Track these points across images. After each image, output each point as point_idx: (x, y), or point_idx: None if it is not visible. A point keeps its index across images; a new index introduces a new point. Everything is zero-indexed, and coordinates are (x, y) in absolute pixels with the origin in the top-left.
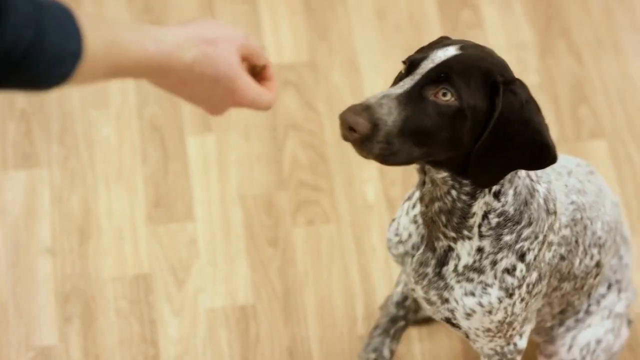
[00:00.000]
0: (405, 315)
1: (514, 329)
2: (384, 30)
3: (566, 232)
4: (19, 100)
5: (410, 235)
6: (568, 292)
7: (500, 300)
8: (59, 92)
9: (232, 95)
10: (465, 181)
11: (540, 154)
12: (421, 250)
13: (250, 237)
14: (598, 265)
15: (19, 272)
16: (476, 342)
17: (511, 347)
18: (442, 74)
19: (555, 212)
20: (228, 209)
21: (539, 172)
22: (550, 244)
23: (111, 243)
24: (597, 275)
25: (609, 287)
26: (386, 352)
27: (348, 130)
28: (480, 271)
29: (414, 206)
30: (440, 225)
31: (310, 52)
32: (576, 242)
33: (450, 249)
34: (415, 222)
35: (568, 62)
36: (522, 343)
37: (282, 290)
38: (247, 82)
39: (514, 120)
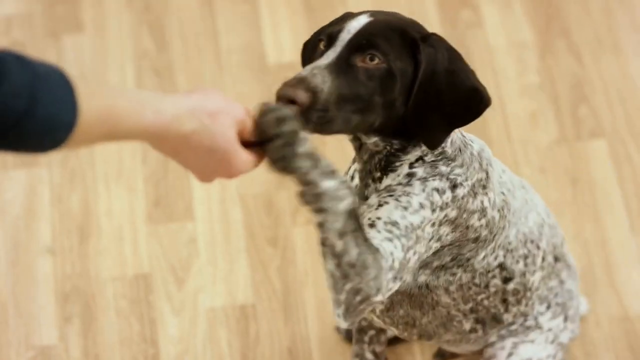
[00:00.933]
0: (371, 324)
1: (414, 252)
2: None
3: (496, 214)
4: None
5: (353, 178)
6: (468, 286)
7: (422, 206)
8: None
9: (226, 167)
10: (395, 141)
11: (474, 98)
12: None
13: (250, 237)
14: (502, 267)
15: (19, 271)
16: (368, 233)
17: (390, 284)
18: (364, 40)
19: (486, 172)
20: (228, 208)
21: (470, 135)
22: (484, 213)
23: (111, 243)
24: (506, 279)
25: (548, 307)
26: (369, 355)
27: (287, 103)
28: (407, 185)
29: (352, 178)
30: (373, 170)
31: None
32: (493, 236)
33: (373, 183)
34: (355, 187)
35: (568, 62)
36: (387, 294)
37: (282, 289)
38: (243, 157)
39: (440, 72)
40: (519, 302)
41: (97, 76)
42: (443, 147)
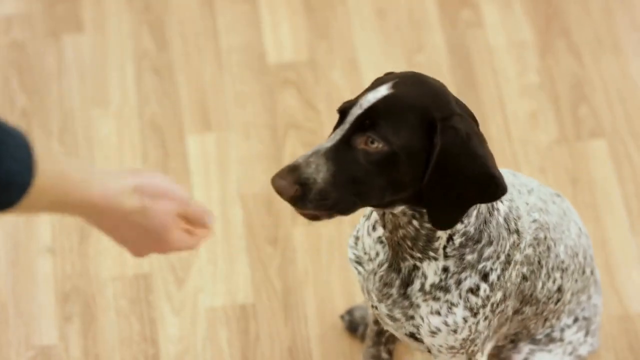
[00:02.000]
0: None
1: (475, 345)
2: (384, 29)
3: (529, 251)
4: (19, 99)
5: (377, 254)
6: (529, 317)
7: (465, 320)
8: (59, 90)
9: (157, 245)
10: (424, 210)
11: (489, 185)
12: (384, 269)
13: (251, 236)
14: (560, 290)
15: (19, 271)
16: (438, 356)
17: None
18: (366, 121)
19: (517, 231)
20: (228, 208)
21: None
22: (515, 263)
23: (111, 242)
24: (557, 301)
25: (575, 320)
26: (384, 355)
27: (278, 193)
28: (446, 290)
29: (374, 227)
30: (407, 248)
31: (310, 51)
32: (539, 262)
33: (415, 267)
34: (380, 242)
35: (568, 62)
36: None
37: (282, 289)
38: (176, 236)
39: (457, 155)
40: (554, 317)
41: (97, 76)
42: (465, 225)
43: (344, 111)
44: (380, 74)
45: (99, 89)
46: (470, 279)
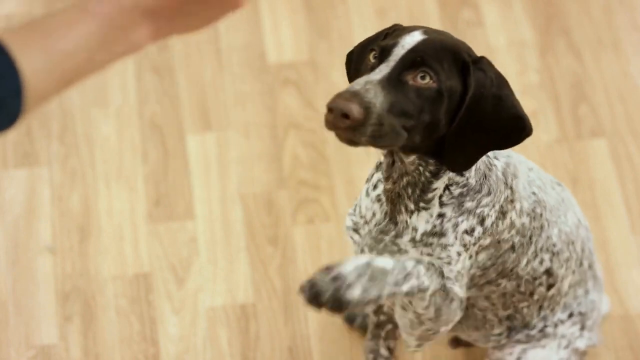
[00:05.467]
0: (390, 319)
1: (461, 286)
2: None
3: (526, 220)
4: None
5: (374, 214)
6: (512, 294)
7: (459, 254)
8: None
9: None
10: (431, 160)
11: (517, 126)
12: (384, 223)
13: (251, 236)
14: (549, 273)
15: (19, 270)
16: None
17: (460, 292)
18: (417, 58)
19: (511, 188)
20: (228, 207)
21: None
22: (512, 225)
23: (111, 242)
24: (550, 286)
25: (570, 315)
26: (383, 351)
27: (341, 117)
28: (441, 234)
29: (374, 187)
30: (405, 197)
31: (310, 50)
32: (530, 238)
33: (406, 224)
34: (378, 200)
35: (568, 61)
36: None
37: (282, 288)
38: None
39: (487, 97)
40: (549, 307)
41: (97, 76)
42: (467, 178)
43: (384, 49)
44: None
45: (99, 88)
46: (467, 222)
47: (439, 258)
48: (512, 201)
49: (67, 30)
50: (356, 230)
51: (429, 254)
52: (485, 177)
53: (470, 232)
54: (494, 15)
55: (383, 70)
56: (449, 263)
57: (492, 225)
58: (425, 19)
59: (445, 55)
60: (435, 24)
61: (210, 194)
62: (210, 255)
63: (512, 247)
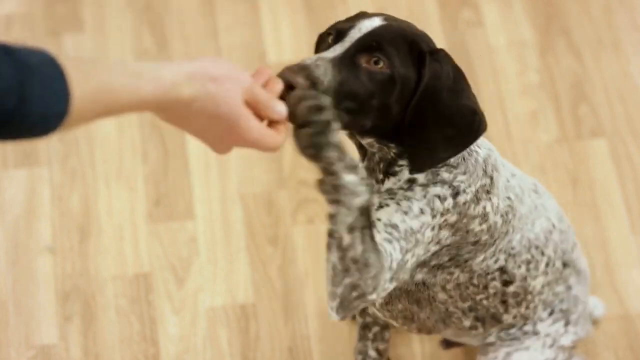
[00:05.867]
0: (376, 321)
1: (413, 255)
2: None
3: (499, 220)
4: None
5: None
6: (465, 286)
7: (422, 211)
8: None
9: (234, 134)
10: (391, 144)
11: (471, 120)
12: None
13: (251, 236)
14: (503, 271)
15: (19, 270)
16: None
17: (386, 284)
18: (374, 42)
19: (491, 178)
20: (228, 207)
21: (479, 140)
22: (485, 218)
23: (111, 241)
24: (505, 282)
25: (551, 313)
26: (372, 353)
27: (286, 89)
28: (408, 189)
29: None
30: (376, 170)
31: (310, 50)
32: (495, 240)
33: (376, 183)
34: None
35: (568, 61)
36: (382, 294)
37: (282, 288)
38: (251, 122)
39: (441, 88)
40: (519, 304)
41: None
42: None
43: (340, 31)
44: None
45: None
46: (441, 189)
47: (397, 204)
48: (488, 192)
49: (126, 84)
50: None
51: (390, 198)
52: (464, 159)
53: (442, 199)
54: (494, 15)
55: (337, 50)
56: (405, 213)
57: (464, 204)
58: (425, 19)
59: (402, 43)
60: (435, 24)
61: (210, 194)
62: (210, 255)
63: (476, 242)
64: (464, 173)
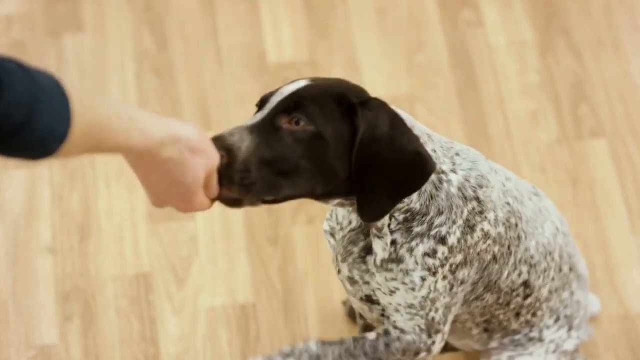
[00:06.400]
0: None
1: (436, 308)
2: (384, 28)
3: (502, 229)
4: None
5: (350, 222)
6: (491, 305)
7: (423, 279)
8: None
9: (183, 202)
10: (354, 200)
11: (416, 163)
12: (355, 231)
13: (251, 236)
14: (526, 285)
15: (19, 270)
16: (393, 316)
17: (428, 341)
18: (292, 103)
19: (477, 198)
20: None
21: (456, 160)
22: (487, 235)
23: (111, 242)
24: (526, 296)
25: (557, 320)
26: None
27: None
28: (399, 260)
29: (336, 217)
30: (358, 225)
31: (310, 50)
32: (508, 248)
33: (368, 237)
34: (352, 212)
35: (568, 61)
36: (436, 346)
37: (282, 288)
38: (200, 197)
39: (379, 136)
40: (528, 312)
41: (97, 76)
42: (407, 204)
43: (263, 99)
44: (380, 72)
45: (99, 89)
46: (424, 245)
47: (403, 283)
48: (481, 212)
49: (120, 128)
50: (332, 235)
51: (393, 279)
52: (432, 197)
53: (432, 254)
54: (494, 15)
55: (257, 117)
56: (413, 289)
57: (458, 241)
58: (425, 19)
59: (327, 98)
60: (435, 24)
61: None
62: (210, 255)
63: (494, 258)
64: (439, 213)
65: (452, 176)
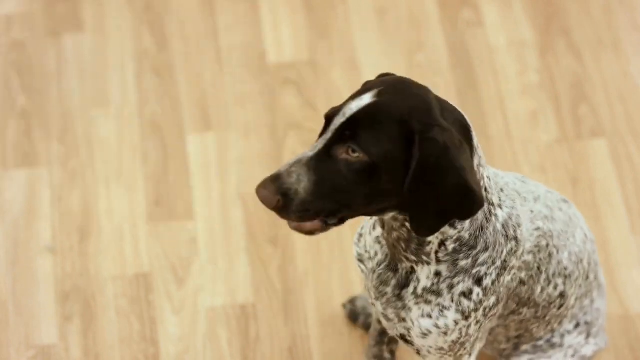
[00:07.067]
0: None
1: (465, 348)
2: (384, 28)
3: (529, 257)
4: (19, 99)
5: (376, 254)
6: (528, 319)
7: (456, 323)
8: (59, 90)
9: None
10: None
11: (466, 198)
12: (382, 268)
13: (251, 236)
14: (562, 295)
15: (19, 270)
16: (427, 357)
17: None
18: (346, 132)
19: (515, 238)
20: (228, 207)
21: (502, 196)
22: (511, 267)
23: (111, 242)
24: (560, 306)
25: (577, 326)
26: (387, 355)
27: (262, 202)
28: (437, 294)
29: (374, 227)
30: (401, 250)
31: (310, 50)
32: (538, 269)
33: (412, 270)
34: (379, 242)
35: (568, 61)
36: None
37: (282, 289)
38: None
39: (434, 167)
40: (557, 321)
41: (97, 76)
42: (459, 231)
43: (329, 118)
44: (380, 72)
45: (99, 89)
46: (464, 284)
47: (437, 327)
48: (515, 252)
49: None
50: (361, 261)
51: (429, 316)
52: (482, 229)
53: (468, 294)
54: (494, 15)
55: (318, 145)
56: (445, 334)
57: (493, 284)
58: (425, 19)
59: (386, 122)
60: (435, 24)
61: (210, 194)
62: (210, 255)
63: (522, 282)
64: (485, 249)
65: (499, 211)
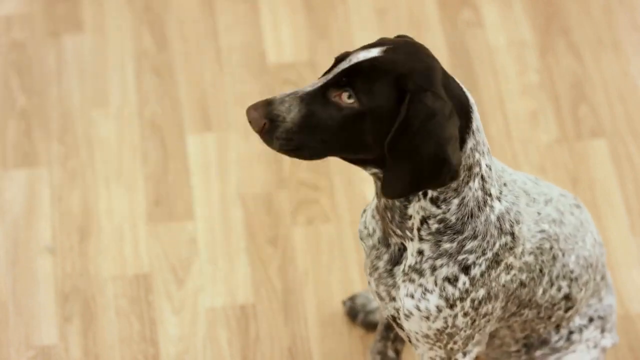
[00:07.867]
0: None
1: (455, 342)
2: (384, 29)
3: (529, 258)
4: (19, 99)
5: (374, 230)
6: (532, 320)
7: (439, 309)
8: (59, 91)
9: None
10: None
11: (440, 168)
12: (380, 243)
13: (250, 236)
14: (568, 298)
15: (19, 271)
16: (417, 347)
17: None
18: (344, 77)
19: (512, 234)
20: (228, 208)
21: (503, 190)
22: (510, 267)
23: (111, 242)
24: (568, 308)
25: (591, 320)
26: (391, 353)
27: (249, 123)
28: (420, 273)
29: (373, 200)
30: (388, 221)
31: (310, 51)
32: (540, 271)
33: (403, 247)
34: (373, 217)
35: (568, 61)
36: None
37: (282, 289)
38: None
39: (417, 129)
40: (568, 324)
41: (97, 76)
42: (444, 212)
43: (337, 61)
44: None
45: (99, 89)
46: (448, 268)
47: (418, 309)
48: (511, 248)
49: None
50: (362, 239)
51: (412, 295)
52: (472, 215)
53: (453, 281)
54: (494, 15)
55: (317, 83)
56: (427, 318)
57: (482, 275)
58: (425, 20)
59: (385, 78)
60: (435, 25)
61: (210, 194)
62: (210, 256)
63: (522, 284)
64: (474, 237)
65: (496, 203)
